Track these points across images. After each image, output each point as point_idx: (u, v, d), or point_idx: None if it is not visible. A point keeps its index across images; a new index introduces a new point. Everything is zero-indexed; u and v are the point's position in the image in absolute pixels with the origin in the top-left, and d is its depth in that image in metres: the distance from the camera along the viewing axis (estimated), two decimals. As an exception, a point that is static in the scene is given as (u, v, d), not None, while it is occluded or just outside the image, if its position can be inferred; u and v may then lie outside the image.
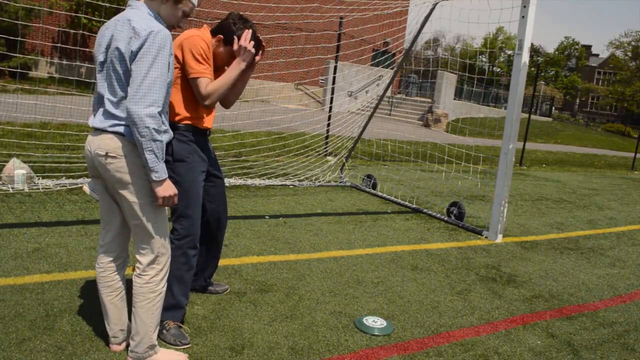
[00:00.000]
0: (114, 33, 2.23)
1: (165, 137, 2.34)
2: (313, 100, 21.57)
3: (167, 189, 2.29)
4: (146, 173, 2.28)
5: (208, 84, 2.76)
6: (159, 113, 2.19)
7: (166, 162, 2.69)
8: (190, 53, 2.72)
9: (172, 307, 2.84)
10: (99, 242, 2.55)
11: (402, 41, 9.48)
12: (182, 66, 2.77)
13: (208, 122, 2.96)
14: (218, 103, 3.03)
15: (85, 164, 6.68)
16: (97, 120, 2.31)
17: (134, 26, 2.17)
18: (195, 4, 2.44)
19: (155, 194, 2.29)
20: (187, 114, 2.83)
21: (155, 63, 2.16)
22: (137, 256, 2.40)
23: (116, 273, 2.54)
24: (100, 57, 2.29)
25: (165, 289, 2.47)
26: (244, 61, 2.84)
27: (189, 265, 2.89)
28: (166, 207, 2.41)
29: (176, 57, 2.77)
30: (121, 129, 2.25)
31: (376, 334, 3.08)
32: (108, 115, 2.28)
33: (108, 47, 2.25)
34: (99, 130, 2.30)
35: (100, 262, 2.53)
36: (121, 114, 2.25)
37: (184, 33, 2.84)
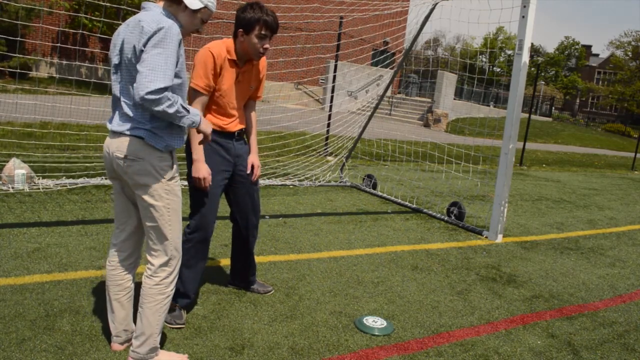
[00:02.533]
0: (125, 37, 2.26)
1: (187, 121, 2.36)
2: (313, 99, 21.57)
3: (203, 131, 2.39)
4: (163, 176, 2.34)
5: (193, 99, 2.91)
6: (165, 91, 2.16)
7: (187, 160, 2.96)
8: (194, 64, 2.91)
9: (181, 295, 3.01)
10: (112, 241, 2.57)
11: (402, 41, 9.48)
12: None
13: (233, 125, 3.08)
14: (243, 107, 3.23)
15: (85, 164, 6.68)
16: (115, 123, 2.34)
17: (143, 26, 2.19)
18: (213, 10, 2.47)
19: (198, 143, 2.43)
20: (209, 117, 3.02)
21: (163, 52, 2.16)
22: (149, 257, 2.42)
23: (127, 272, 2.56)
24: (114, 60, 2.32)
25: (173, 291, 2.48)
26: (198, 169, 2.90)
27: (198, 256, 3.05)
28: (181, 211, 2.46)
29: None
30: (140, 132, 2.28)
31: (376, 334, 3.08)
32: (126, 118, 2.30)
33: (121, 50, 2.28)
34: (117, 133, 2.32)
35: (112, 260, 2.55)
36: (139, 117, 2.28)
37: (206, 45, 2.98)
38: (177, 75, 2.29)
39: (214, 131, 3.03)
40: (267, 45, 2.96)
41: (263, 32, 2.92)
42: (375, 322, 3.19)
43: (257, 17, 2.90)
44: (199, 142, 2.44)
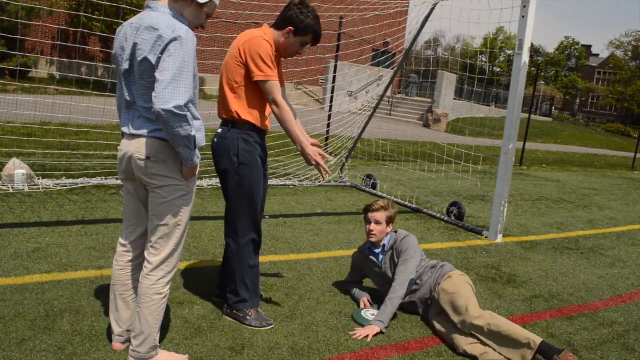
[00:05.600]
0: (137, 42, 2.22)
1: (199, 136, 2.37)
2: (313, 99, 21.57)
3: (195, 169, 2.37)
4: (181, 176, 2.36)
5: (281, 97, 2.83)
6: (187, 107, 2.17)
7: (231, 163, 2.88)
8: (259, 56, 2.77)
9: (250, 299, 3.03)
10: (120, 242, 2.57)
11: (402, 41, 9.48)
12: (247, 67, 2.82)
13: (268, 122, 3.04)
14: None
15: (85, 164, 6.68)
16: (133, 127, 2.33)
17: (160, 34, 2.17)
18: (218, 4, 2.46)
19: (183, 174, 2.37)
20: (252, 115, 2.91)
21: (183, 65, 2.15)
22: (147, 255, 2.40)
23: (134, 272, 2.56)
24: (124, 65, 2.29)
25: (169, 291, 2.46)
26: (308, 159, 2.87)
27: (256, 258, 3.06)
28: (190, 213, 2.46)
29: (240, 58, 2.82)
30: (162, 134, 2.28)
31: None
32: (145, 120, 2.30)
33: (132, 56, 2.25)
34: (137, 135, 2.32)
35: (120, 260, 2.55)
36: None
37: (246, 34, 2.88)
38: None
39: (255, 129, 2.93)
40: (301, 52, 2.99)
41: (309, 42, 2.92)
42: (373, 315, 3.24)
43: (313, 26, 2.88)
44: (191, 177, 2.40)
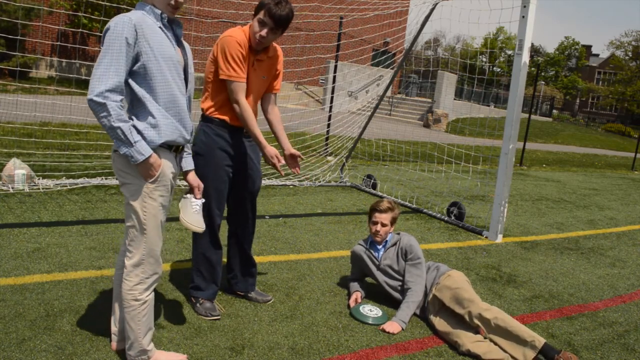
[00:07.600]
0: None
1: (151, 133, 2.24)
2: (313, 99, 21.57)
3: (148, 168, 2.23)
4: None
5: (242, 97, 2.91)
6: (106, 96, 2.08)
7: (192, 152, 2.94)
8: (225, 55, 2.86)
9: (205, 288, 3.12)
10: (123, 241, 2.55)
11: (402, 41, 9.47)
12: (217, 65, 2.92)
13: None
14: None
15: (85, 164, 6.68)
16: None
17: None
18: None
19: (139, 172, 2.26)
20: (218, 110, 2.99)
21: (105, 54, 2.11)
22: (125, 258, 2.37)
23: None
24: None
25: (151, 298, 2.39)
26: (266, 157, 3.00)
27: (211, 248, 3.12)
28: (164, 217, 2.38)
29: (213, 56, 2.94)
30: None
31: (370, 322, 3.15)
32: None
33: None
34: None
35: (120, 260, 2.55)
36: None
37: (224, 33, 2.94)
38: (142, 68, 2.19)
39: (220, 124, 2.99)
40: (263, 33, 2.87)
41: (263, 18, 2.86)
42: (370, 311, 3.26)
43: (266, 2, 2.87)
44: (148, 177, 2.27)
